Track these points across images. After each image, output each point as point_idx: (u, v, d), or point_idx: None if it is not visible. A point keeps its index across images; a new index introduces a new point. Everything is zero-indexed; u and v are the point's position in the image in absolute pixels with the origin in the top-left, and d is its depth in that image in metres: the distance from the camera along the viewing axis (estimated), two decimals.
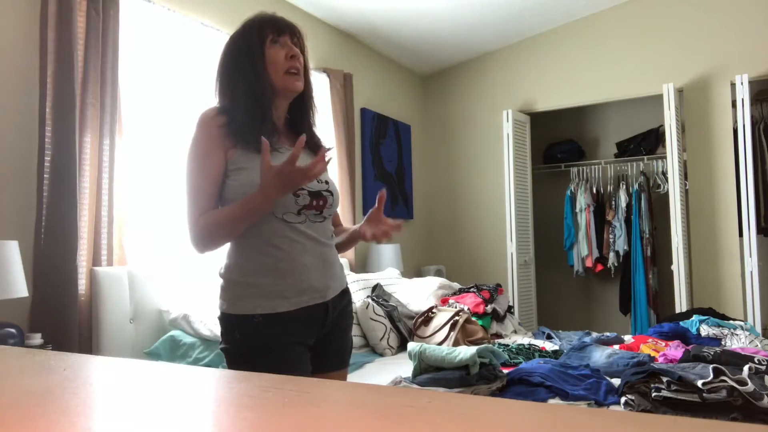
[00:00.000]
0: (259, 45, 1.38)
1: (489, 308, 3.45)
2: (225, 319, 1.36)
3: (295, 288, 1.35)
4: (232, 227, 1.31)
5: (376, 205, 1.46)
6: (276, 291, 1.34)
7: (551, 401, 2.02)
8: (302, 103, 1.49)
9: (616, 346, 2.79)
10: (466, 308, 3.31)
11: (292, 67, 1.39)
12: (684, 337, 2.95)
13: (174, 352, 2.42)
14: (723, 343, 2.82)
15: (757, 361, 2.06)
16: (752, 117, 3.98)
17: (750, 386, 1.77)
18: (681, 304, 3.95)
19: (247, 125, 1.34)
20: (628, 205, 4.92)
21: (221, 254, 1.43)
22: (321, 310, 1.40)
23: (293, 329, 1.35)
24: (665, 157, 4.36)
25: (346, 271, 3.74)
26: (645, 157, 5.01)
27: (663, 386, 1.88)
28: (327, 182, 1.45)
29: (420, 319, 3.20)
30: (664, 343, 2.79)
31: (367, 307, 3.06)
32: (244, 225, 1.31)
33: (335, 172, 3.92)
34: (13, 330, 2.02)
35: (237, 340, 1.35)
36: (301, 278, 1.36)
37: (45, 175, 2.26)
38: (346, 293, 1.52)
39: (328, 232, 1.46)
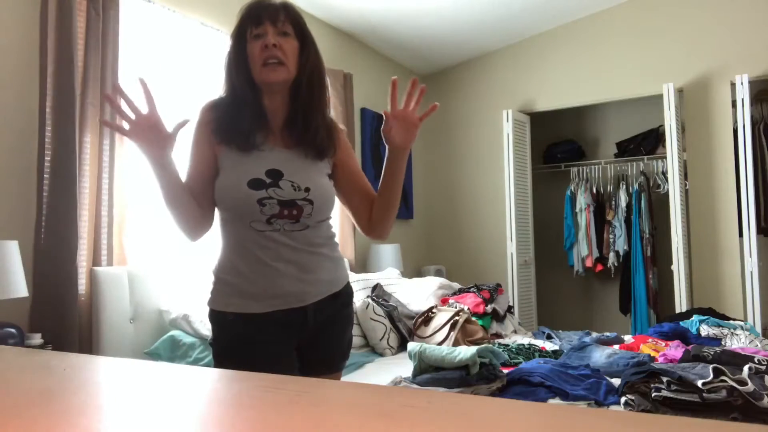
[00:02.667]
0: (239, 43, 1.35)
1: (489, 308, 3.45)
2: (209, 313, 1.40)
3: (268, 292, 1.32)
4: (164, 201, 1.31)
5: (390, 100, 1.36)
6: (248, 292, 1.33)
7: (551, 401, 2.02)
8: (298, 91, 1.37)
9: (616, 346, 2.79)
10: (466, 308, 3.31)
11: (268, 58, 1.31)
12: (684, 337, 2.95)
13: (174, 352, 2.42)
14: (723, 343, 2.82)
15: (757, 361, 2.06)
16: (752, 117, 3.98)
17: (750, 386, 1.77)
18: (681, 304, 3.95)
19: (226, 124, 1.34)
20: (628, 205, 4.92)
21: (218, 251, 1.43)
22: (299, 314, 1.35)
23: (268, 330, 1.33)
24: (665, 157, 4.36)
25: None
26: (645, 157, 5.01)
27: (663, 386, 1.88)
28: (308, 189, 1.33)
29: (420, 319, 3.20)
30: (664, 343, 2.79)
31: (367, 307, 3.06)
32: (166, 196, 1.30)
33: None
34: (13, 330, 2.02)
35: (215, 335, 1.38)
36: (273, 282, 1.32)
37: (45, 175, 2.26)
38: (337, 297, 1.43)
39: (313, 239, 1.37)
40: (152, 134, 1.26)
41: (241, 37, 1.35)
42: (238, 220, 1.33)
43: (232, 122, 1.33)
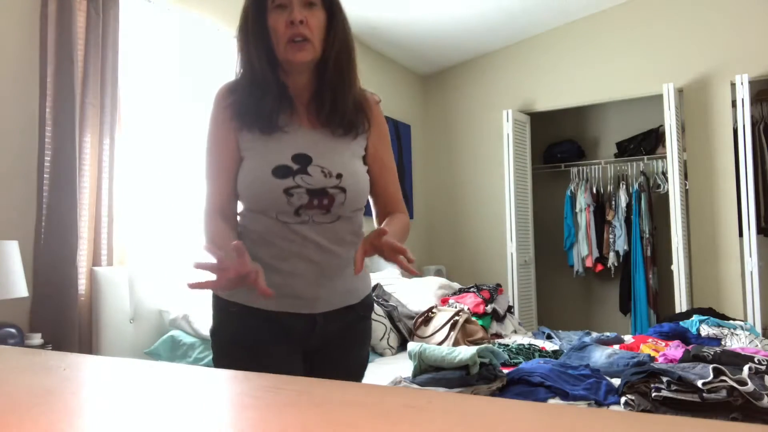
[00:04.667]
0: (258, 12, 1.19)
1: (489, 308, 3.45)
2: (212, 300, 1.29)
3: (278, 289, 1.16)
4: None
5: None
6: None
7: (551, 401, 2.02)
8: (325, 68, 1.23)
9: (616, 346, 2.79)
10: (466, 308, 3.31)
11: (294, 35, 1.17)
12: (684, 337, 2.95)
13: (174, 352, 2.42)
14: (723, 343, 2.82)
15: (757, 361, 2.06)
16: (752, 117, 3.98)
17: (750, 386, 1.77)
18: (681, 304, 3.95)
19: (246, 106, 1.21)
20: (628, 205, 4.92)
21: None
22: (306, 321, 1.24)
23: (271, 329, 1.22)
24: (665, 157, 4.36)
25: None
26: (645, 157, 5.00)
27: (663, 386, 1.88)
28: (339, 175, 1.20)
29: (420, 319, 3.20)
30: (664, 343, 2.79)
31: None
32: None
33: None
34: (13, 330, 2.02)
35: (215, 325, 1.28)
36: (285, 281, 1.20)
37: (45, 175, 2.26)
38: (354, 309, 1.30)
39: (342, 233, 1.24)
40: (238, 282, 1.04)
41: (260, 5, 1.19)
42: (263, 213, 1.21)
43: (253, 104, 1.21)
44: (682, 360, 2.28)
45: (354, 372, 1.36)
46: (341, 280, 1.26)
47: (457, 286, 3.90)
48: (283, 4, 1.17)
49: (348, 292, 1.29)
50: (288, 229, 1.20)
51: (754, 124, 4.12)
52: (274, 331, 1.23)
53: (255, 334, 1.23)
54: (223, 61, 3.07)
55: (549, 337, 3.28)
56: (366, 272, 1.35)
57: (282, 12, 1.17)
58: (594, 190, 5.12)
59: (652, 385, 1.90)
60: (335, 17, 1.22)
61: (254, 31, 1.20)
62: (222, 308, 1.26)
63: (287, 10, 1.17)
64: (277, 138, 1.20)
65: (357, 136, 1.27)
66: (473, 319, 3.23)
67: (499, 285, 3.80)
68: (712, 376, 1.82)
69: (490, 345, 2.59)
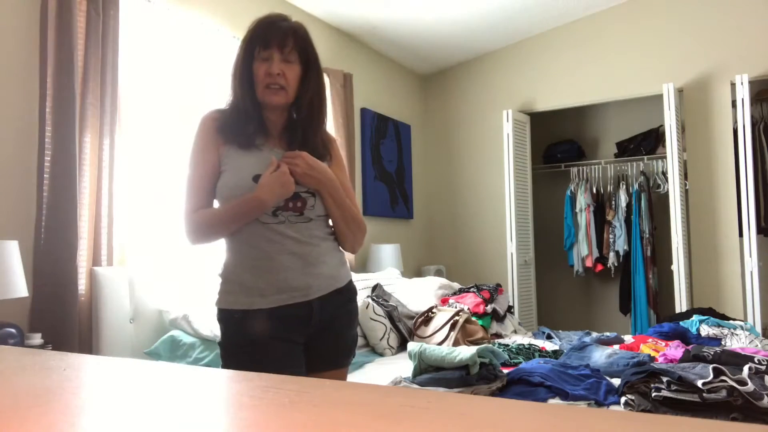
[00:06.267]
0: (245, 60, 1.43)
1: (489, 308, 3.45)
2: (216, 314, 1.45)
3: (273, 286, 1.38)
4: (221, 228, 1.40)
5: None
6: (254, 288, 1.38)
7: (551, 401, 2.02)
8: (299, 111, 1.48)
9: (616, 346, 2.79)
10: (466, 308, 3.31)
11: (270, 83, 1.41)
12: (684, 337, 2.95)
13: (174, 352, 2.42)
14: (723, 343, 2.82)
15: (757, 361, 2.06)
16: (752, 117, 3.98)
17: (750, 386, 1.77)
18: (681, 304, 3.95)
19: (230, 124, 1.43)
20: (628, 205, 4.92)
21: (223, 253, 1.48)
22: (304, 309, 1.41)
23: (274, 326, 1.38)
24: (665, 157, 4.36)
25: None
26: (645, 157, 5.00)
27: (663, 386, 1.88)
28: None
29: (420, 319, 3.20)
30: (664, 343, 2.79)
31: (367, 307, 3.06)
32: (233, 226, 1.39)
33: None
34: (13, 330, 2.02)
35: (223, 334, 1.43)
36: (278, 277, 1.38)
37: (45, 175, 2.26)
38: (341, 293, 1.49)
39: (316, 231, 1.44)
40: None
41: (248, 52, 1.43)
42: None
43: (236, 125, 1.43)
44: (682, 360, 2.28)
45: (348, 350, 1.55)
46: (325, 266, 1.45)
47: (457, 286, 3.90)
48: (267, 57, 1.41)
49: (333, 277, 1.47)
50: (267, 229, 1.39)
51: (754, 124, 4.12)
52: (277, 327, 1.38)
53: (259, 334, 1.37)
54: (223, 61, 3.07)
55: (549, 337, 3.29)
56: (345, 260, 1.55)
57: (264, 62, 1.41)
58: (594, 190, 5.12)
59: (652, 385, 1.90)
60: (310, 72, 1.47)
61: (242, 74, 1.43)
62: (227, 318, 1.42)
63: (269, 61, 1.41)
64: (254, 154, 1.43)
65: (323, 161, 1.49)
66: (473, 319, 3.23)
67: (499, 285, 3.80)
68: (712, 376, 1.82)
69: (490, 345, 2.59)
